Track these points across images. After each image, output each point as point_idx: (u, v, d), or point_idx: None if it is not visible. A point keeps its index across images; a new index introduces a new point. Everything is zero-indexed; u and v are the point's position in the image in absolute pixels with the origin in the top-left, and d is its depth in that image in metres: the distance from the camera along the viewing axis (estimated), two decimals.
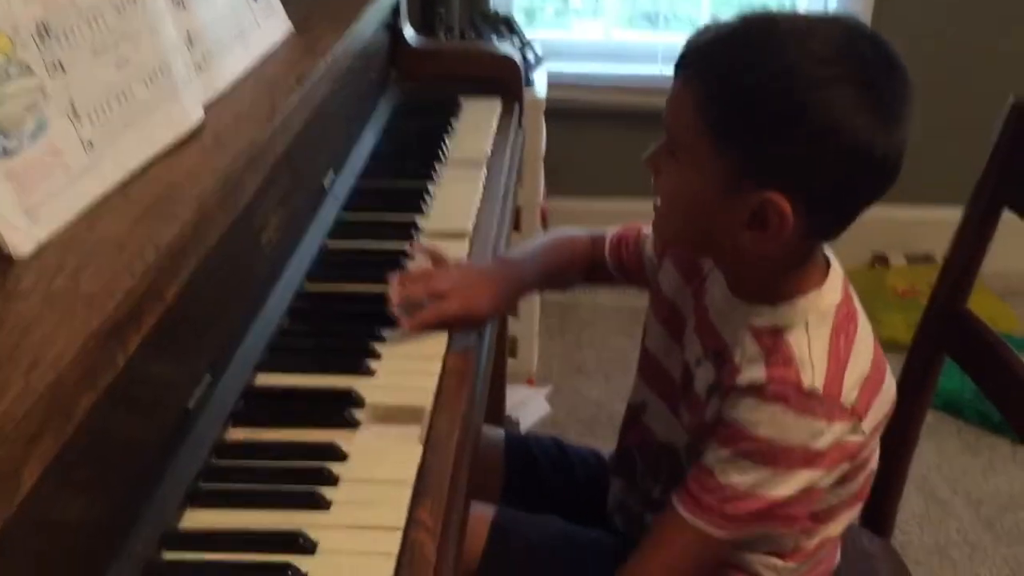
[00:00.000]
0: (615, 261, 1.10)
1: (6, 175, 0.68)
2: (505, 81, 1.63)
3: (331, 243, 1.13)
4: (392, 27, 1.59)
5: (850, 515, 0.97)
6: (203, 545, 0.71)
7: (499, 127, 1.51)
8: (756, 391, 0.85)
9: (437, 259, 1.05)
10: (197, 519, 0.73)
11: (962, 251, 1.12)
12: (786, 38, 0.79)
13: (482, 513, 1.03)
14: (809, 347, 0.85)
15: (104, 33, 0.80)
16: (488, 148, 1.41)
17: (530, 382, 2.22)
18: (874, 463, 0.94)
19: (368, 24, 1.35)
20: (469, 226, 1.18)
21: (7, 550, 0.52)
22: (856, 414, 0.85)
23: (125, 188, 0.78)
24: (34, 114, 0.71)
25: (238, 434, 0.82)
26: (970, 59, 2.47)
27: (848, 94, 0.76)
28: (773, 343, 0.86)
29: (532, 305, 2.20)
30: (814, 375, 0.83)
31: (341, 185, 1.24)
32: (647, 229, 1.07)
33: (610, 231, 1.11)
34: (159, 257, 0.69)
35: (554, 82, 2.30)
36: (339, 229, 1.16)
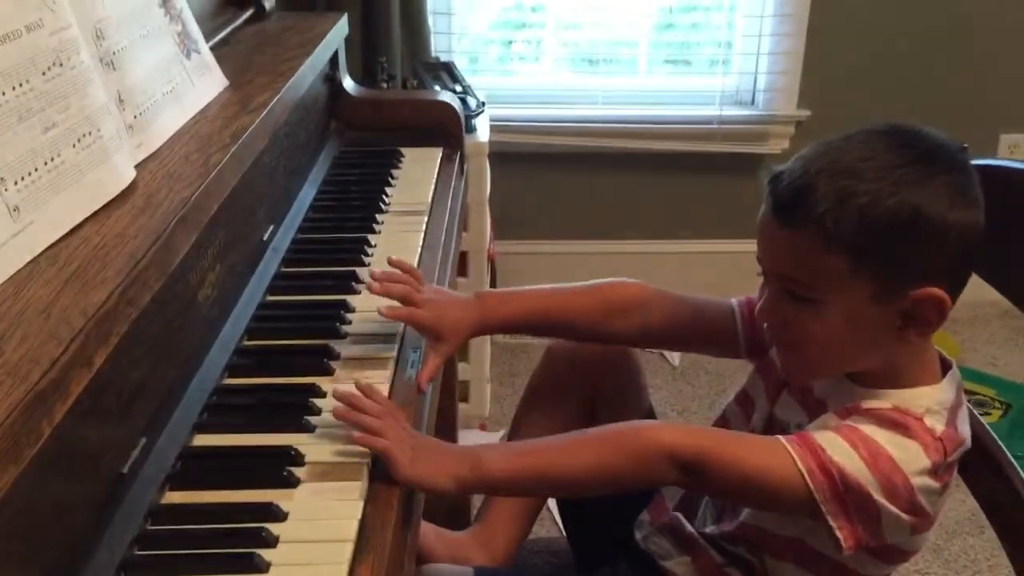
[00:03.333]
0: (749, 334, 1.07)
1: None
2: (445, 128, 1.65)
3: (271, 297, 1.13)
4: (331, 78, 1.60)
5: None
6: None
7: (440, 175, 1.52)
8: (875, 416, 0.87)
9: (415, 273, 1.07)
10: None
11: None
12: (869, 157, 0.85)
13: None
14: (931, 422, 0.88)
15: (30, 98, 0.79)
16: (429, 197, 1.42)
17: (482, 427, 2.22)
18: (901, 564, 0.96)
19: (305, 77, 1.36)
20: None
21: None
22: (946, 487, 0.89)
23: (53, 252, 0.77)
24: None
25: (175, 497, 0.81)
26: (903, 95, 2.54)
27: (946, 182, 0.84)
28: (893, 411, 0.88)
29: (483, 349, 2.20)
30: (935, 424, 0.88)
31: (281, 238, 1.24)
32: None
33: (734, 300, 1.09)
34: (86, 323, 0.68)
35: (498, 127, 2.33)
36: (279, 283, 1.16)
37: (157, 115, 1.01)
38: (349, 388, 0.89)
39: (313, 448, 0.87)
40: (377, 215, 1.35)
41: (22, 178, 0.77)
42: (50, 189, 0.80)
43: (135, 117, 0.97)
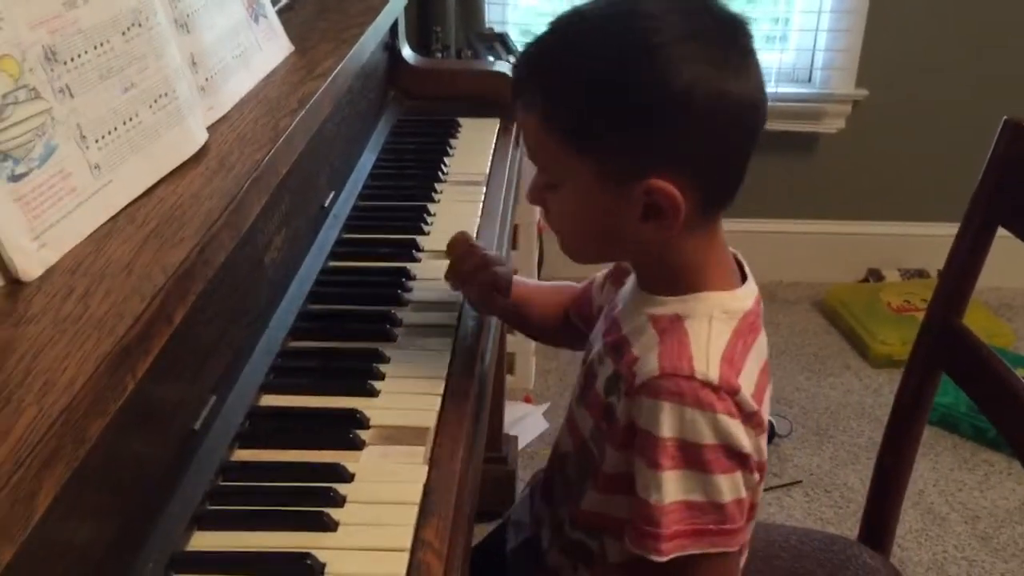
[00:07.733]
0: (576, 310, 1.05)
1: (15, 199, 0.68)
2: (503, 99, 1.64)
3: (333, 263, 1.14)
4: (391, 47, 1.60)
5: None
6: (211, 567, 0.71)
7: (497, 146, 1.52)
8: (650, 389, 0.78)
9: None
10: (205, 541, 0.74)
11: (957, 269, 1.13)
12: (600, 25, 0.77)
13: None
14: (708, 339, 0.79)
15: (110, 57, 0.80)
16: (486, 167, 1.42)
17: (528, 399, 2.22)
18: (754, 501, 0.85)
19: (367, 44, 1.36)
20: None
21: (21, 573, 0.52)
22: (760, 422, 0.80)
23: (131, 211, 0.79)
24: (42, 138, 0.72)
25: (244, 455, 0.83)
26: (964, 78, 2.49)
27: (683, 54, 0.74)
28: (670, 326, 0.81)
29: None
30: (708, 367, 0.77)
31: (342, 205, 1.25)
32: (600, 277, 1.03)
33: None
34: (167, 280, 0.69)
35: None
36: (341, 249, 1.17)
37: (227, 78, 1.02)
38: None
39: (377, 412, 0.88)
40: (436, 184, 1.35)
41: (103, 136, 0.78)
42: (128, 148, 0.81)
43: (207, 80, 0.98)
